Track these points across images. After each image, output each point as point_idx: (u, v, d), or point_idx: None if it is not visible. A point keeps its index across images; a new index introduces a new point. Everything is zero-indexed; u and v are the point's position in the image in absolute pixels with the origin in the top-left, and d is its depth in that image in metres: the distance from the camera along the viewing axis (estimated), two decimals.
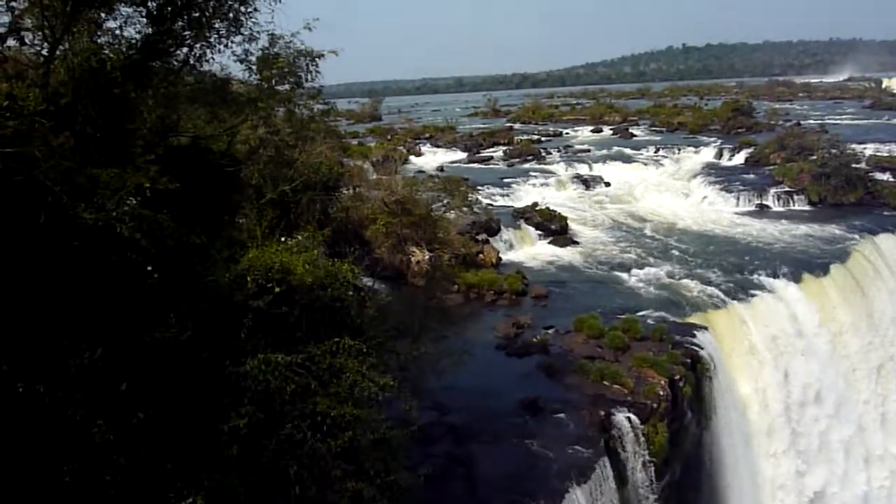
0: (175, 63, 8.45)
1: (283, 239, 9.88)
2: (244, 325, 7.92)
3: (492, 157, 42.34)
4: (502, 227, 25.58)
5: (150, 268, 7.11)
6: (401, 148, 41.41)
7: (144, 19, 7.94)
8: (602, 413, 14.20)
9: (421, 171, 35.60)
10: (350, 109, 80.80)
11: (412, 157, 42.88)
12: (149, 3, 7.82)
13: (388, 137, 48.57)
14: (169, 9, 7.91)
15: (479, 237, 23.71)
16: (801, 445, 20.74)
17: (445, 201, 22.01)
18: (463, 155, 44.08)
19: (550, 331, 18.12)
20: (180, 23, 8.06)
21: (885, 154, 36.66)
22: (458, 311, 19.34)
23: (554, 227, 26.74)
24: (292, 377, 7.74)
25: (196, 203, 8.59)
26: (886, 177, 33.39)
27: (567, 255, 24.79)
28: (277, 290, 8.20)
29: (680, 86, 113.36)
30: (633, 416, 14.34)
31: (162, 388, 6.78)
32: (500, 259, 23.33)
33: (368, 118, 71.61)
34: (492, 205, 29.71)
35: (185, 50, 8.41)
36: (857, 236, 26.25)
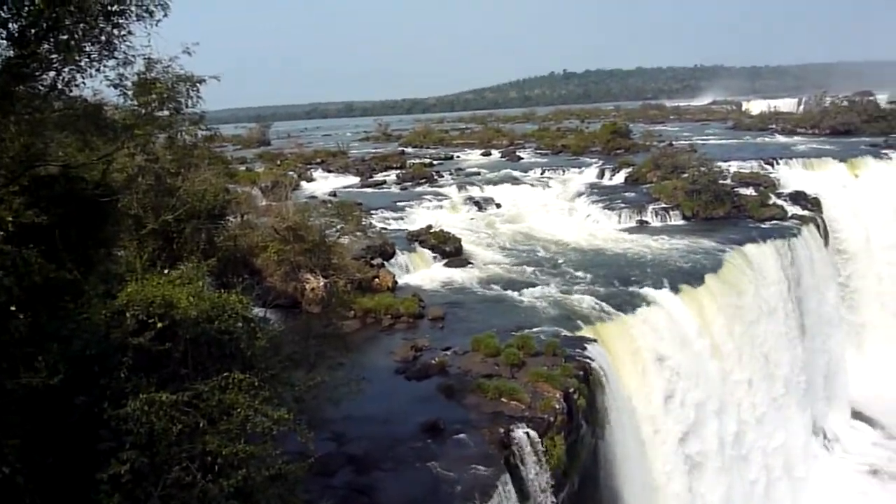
0: (41, 88, 7.90)
1: (165, 271, 9.37)
2: (124, 364, 7.42)
3: (385, 182, 42.45)
4: (397, 251, 25.62)
5: (13, 308, 6.55)
6: (291, 173, 40.71)
7: (5, 41, 7.38)
8: (501, 430, 14.40)
9: (313, 197, 35.11)
10: (237, 135, 78.66)
11: (303, 183, 42.24)
12: (9, 25, 7.28)
13: (278, 163, 47.61)
14: (33, 31, 7.39)
15: (375, 261, 23.62)
16: (689, 449, 21.92)
17: (339, 226, 21.78)
18: (356, 179, 43.92)
19: (448, 352, 18.24)
20: (46, 46, 7.55)
21: (748, 171, 39.96)
22: (356, 337, 19.11)
23: (449, 249, 27.08)
24: (178, 417, 7.31)
25: (67, 236, 8.02)
26: (749, 191, 36.30)
27: (462, 276, 25.14)
28: (160, 325, 7.76)
29: (563, 110, 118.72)
30: (531, 431, 14.63)
31: (30, 438, 6.23)
32: (396, 283, 23.30)
33: (257, 143, 70.01)
34: (386, 229, 29.73)
35: (52, 74, 7.89)
36: (727, 247, 28.24)
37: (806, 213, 35.08)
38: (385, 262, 24.23)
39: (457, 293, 23.33)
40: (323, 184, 42.72)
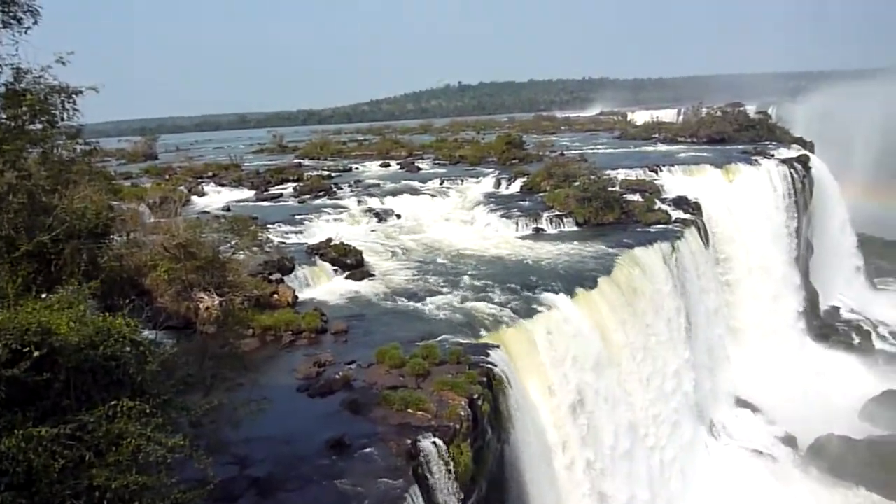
0: None
1: (42, 295, 8.73)
2: None
3: (282, 194, 41.51)
4: (297, 265, 25.09)
5: None
6: (181, 188, 39.01)
7: None
8: (408, 441, 14.37)
9: (205, 212, 33.80)
10: (121, 148, 74.57)
11: (194, 198, 40.57)
12: None
13: (167, 177, 45.50)
14: None
15: (273, 277, 23.01)
16: (589, 446, 22.72)
17: (234, 242, 21.03)
18: (251, 193, 42.67)
19: (353, 366, 18.03)
20: None
21: (634, 178, 42.11)
22: (255, 356, 18.50)
23: (350, 262, 26.80)
24: (61, 451, 6.81)
25: None
26: (637, 197, 38.25)
27: (365, 288, 24.96)
28: (36, 354, 7.21)
29: (459, 121, 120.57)
30: (438, 440, 14.69)
31: None
32: (296, 298, 22.80)
33: (143, 157, 66.59)
34: (285, 243, 29.06)
35: None
36: (618, 251, 29.62)
37: (688, 216, 37.36)
38: (284, 278, 23.66)
39: (360, 306, 23.12)
40: (216, 198, 41.21)
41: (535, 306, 22.60)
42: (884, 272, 69.40)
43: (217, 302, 18.85)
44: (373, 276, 26.27)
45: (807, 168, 53.34)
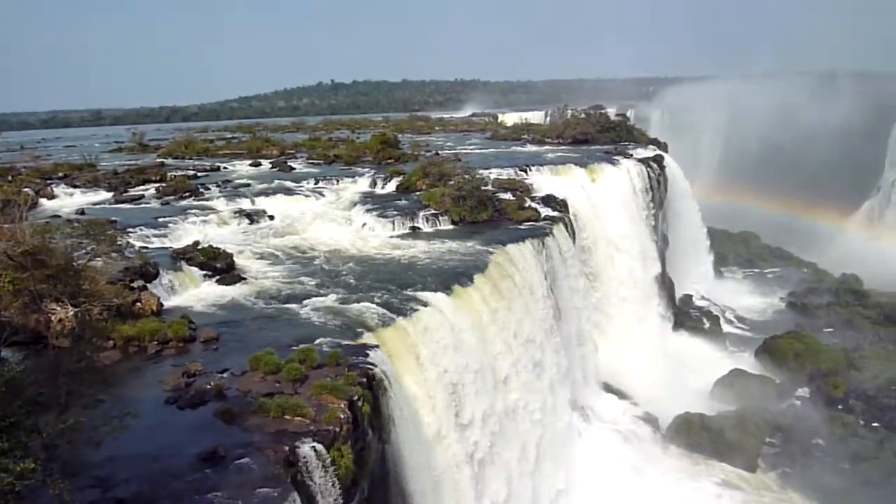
0: None
1: None
2: None
3: (143, 196, 39.02)
4: (161, 271, 23.70)
5: None
6: (27, 190, 35.66)
7: None
8: (286, 448, 14.02)
9: (56, 216, 31.15)
10: None
11: (43, 200, 37.27)
12: None
13: (10, 178, 41.43)
14: None
15: (135, 284, 21.59)
16: (469, 440, 23.23)
17: (90, 248, 19.53)
18: (108, 195, 39.76)
19: (225, 374, 17.31)
20: None
21: (506, 177, 43.44)
22: (117, 370, 17.30)
23: (220, 266, 25.69)
24: None
25: None
26: (509, 196, 39.47)
27: (236, 293, 24.01)
28: None
29: (333, 120, 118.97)
30: (317, 445, 14.45)
31: None
32: (162, 305, 21.54)
33: None
34: (147, 247, 27.39)
35: None
36: (492, 248, 30.42)
37: (556, 213, 39.08)
38: (147, 285, 22.27)
39: (231, 311, 22.22)
40: (68, 201, 38.06)
41: (413, 305, 22.75)
42: (729, 262, 76.31)
43: (72, 313, 17.42)
44: (245, 279, 25.33)
45: (661, 167, 57.50)
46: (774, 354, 47.51)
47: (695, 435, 37.25)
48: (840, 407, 41.25)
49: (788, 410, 41.41)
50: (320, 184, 42.71)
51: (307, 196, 39.57)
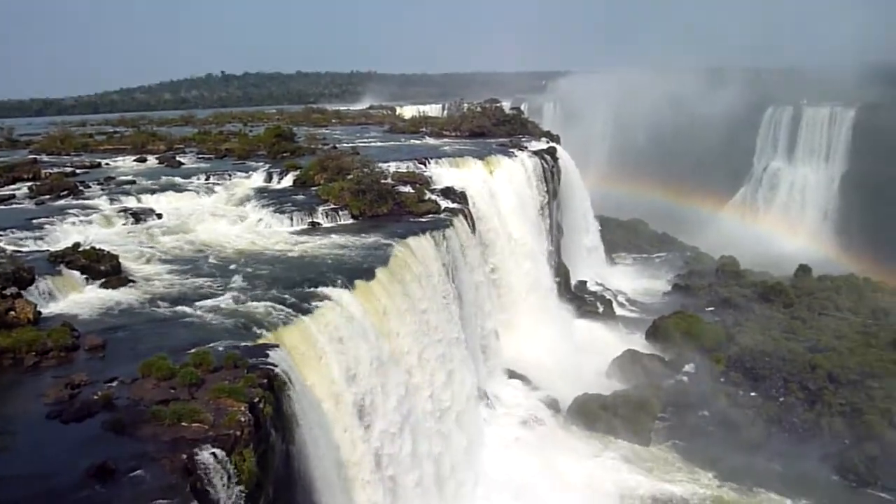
0: None
1: None
2: None
3: (14, 196, 36.04)
4: (37, 276, 21.96)
5: None
6: None
7: None
8: (184, 456, 13.42)
9: None
10: None
11: None
12: None
13: None
14: None
15: (8, 291, 19.90)
16: (376, 436, 23.15)
17: None
18: None
19: (114, 383, 16.31)
20: None
21: (405, 170, 43.40)
22: None
23: (104, 268, 24.12)
24: None
25: None
26: (408, 189, 39.48)
27: (123, 296, 22.64)
28: None
29: (224, 113, 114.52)
30: (217, 451, 13.92)
31: None
32: (39, 313, 19.98)
33: None
34: (20, 251, 25.36)
35: None
36: (393, 241, 30.36)
37: (455, 206, 39.53)
38: (22, 291, 20.59)
39: (119, 316, 20.94)
40: None
41: (314, 301, 22.33)
42: (619, 248, 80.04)
43: None
44: (133, 282, 23.95)
45: (555, 159, 59.41)
46: (663, 334, 50.35)
47: (593, 415, 38.91)
48: (722, 380, 44.26)
49: (677, 385, 44.01)
50: (212, 179, 41.03)
51: (198, 192, 37.93)
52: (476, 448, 32.52)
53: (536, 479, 32.11)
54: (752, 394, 42.60)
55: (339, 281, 24.37)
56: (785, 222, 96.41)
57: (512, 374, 42.27)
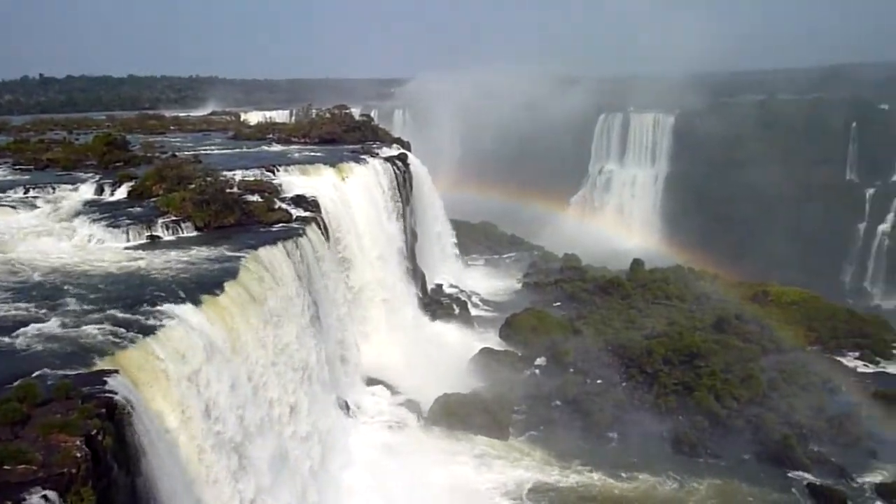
0: None
1: None
2: None
3: None
4: None
5: None
6: None
7: None
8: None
9: None
10: None
11: None
12: None
13: None
14: None
15: None
16: (232, 454, 22.06)
17: None
18: None
19: None
20: None
21: (252, 178, 41.75)
22: None
23: None
24: None
25: None
26: (256, 198, 38.01)
27: None
28: None
29: (44, 119, 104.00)
30: (49, 493, 12.62)
31: None
32: None
33: None
34: None
35: None
36: (242, 253, 29.08)
37: (308, 214, 38.68)
38: None
39: None
40: None
41: (157, 321, 20.83)
42: (472, 250, 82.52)
43: None
44: None
45: (406, 165, 60.03)
46: (515, 331, 52.54)
47: (453, 414, 39.70)
48: (571, 370, 46.98)
49: (530, 379, 46.09)
50: (32, 193, 37.12)
51: (15, 208, 34.17)
52: (338, 459, 32.03)
53: (399, 483, 32.19)
54: (598, 381, 45.60)
55: (184, 297, 22.93)
56: (619, 220, 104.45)
57: (372, 382, 42.12)
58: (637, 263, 67.73)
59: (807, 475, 35.67)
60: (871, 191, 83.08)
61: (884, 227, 79.89)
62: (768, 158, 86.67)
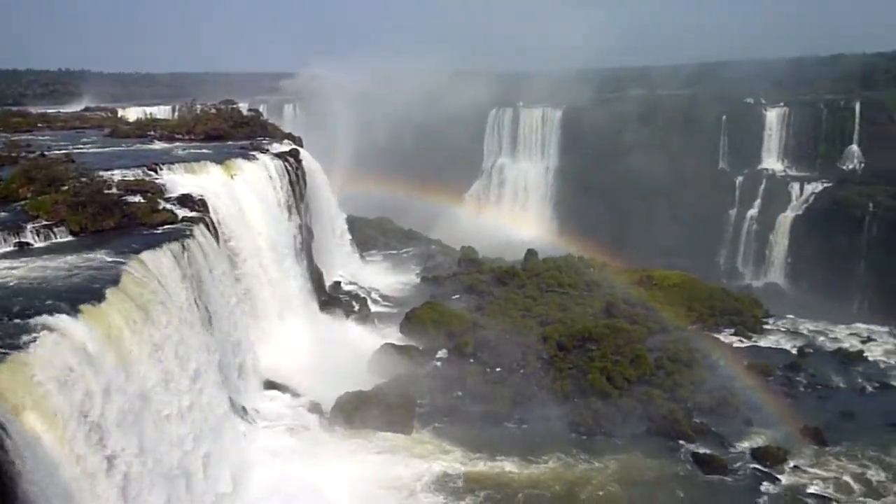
0: None
1: None
2: None
3: None
4: None
5: None
6: None
7: None
8: None
9: None
10: None
11: None
12: None
13: None
14: None
15: None
16: (118, 476, 20.90)
17: None
18: None
19: None
20: None
21: (133, 178, 39.40)
22: None
23: None
24: None
25: None
26: (138, 199, 35.96)
27: None
28: None
29: None
30: None
31: None
32: None
33: None
34: None
35: None
36: (124, 258, 27.49)
37: (195, 214, 37.08)
38: None
39: None
40: None
41: (29, 335, 19.31)
42: (369, 246, 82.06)
43: None
44: None
45: (298, 161, 58.72)
46: (415, 325, 52.78)
47: (356, 412, 39.40)
48: (472, 360, 47.81)
49: (433, 372, 46.49)
50: None
51: None
52: (239, 468, 31.05)
53: (301, 486, 31.63)
54: (498, 369, 46.68)
55: (61, 307, 21.39)
56: (512, 213, 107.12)
57: (271, 385, 41.07)
58: (531, 253, 69.69)
59: (691, 446, 38.24)
60: (739, 178, 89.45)
61: (752, 211, 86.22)
62: (649, 150, 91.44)
